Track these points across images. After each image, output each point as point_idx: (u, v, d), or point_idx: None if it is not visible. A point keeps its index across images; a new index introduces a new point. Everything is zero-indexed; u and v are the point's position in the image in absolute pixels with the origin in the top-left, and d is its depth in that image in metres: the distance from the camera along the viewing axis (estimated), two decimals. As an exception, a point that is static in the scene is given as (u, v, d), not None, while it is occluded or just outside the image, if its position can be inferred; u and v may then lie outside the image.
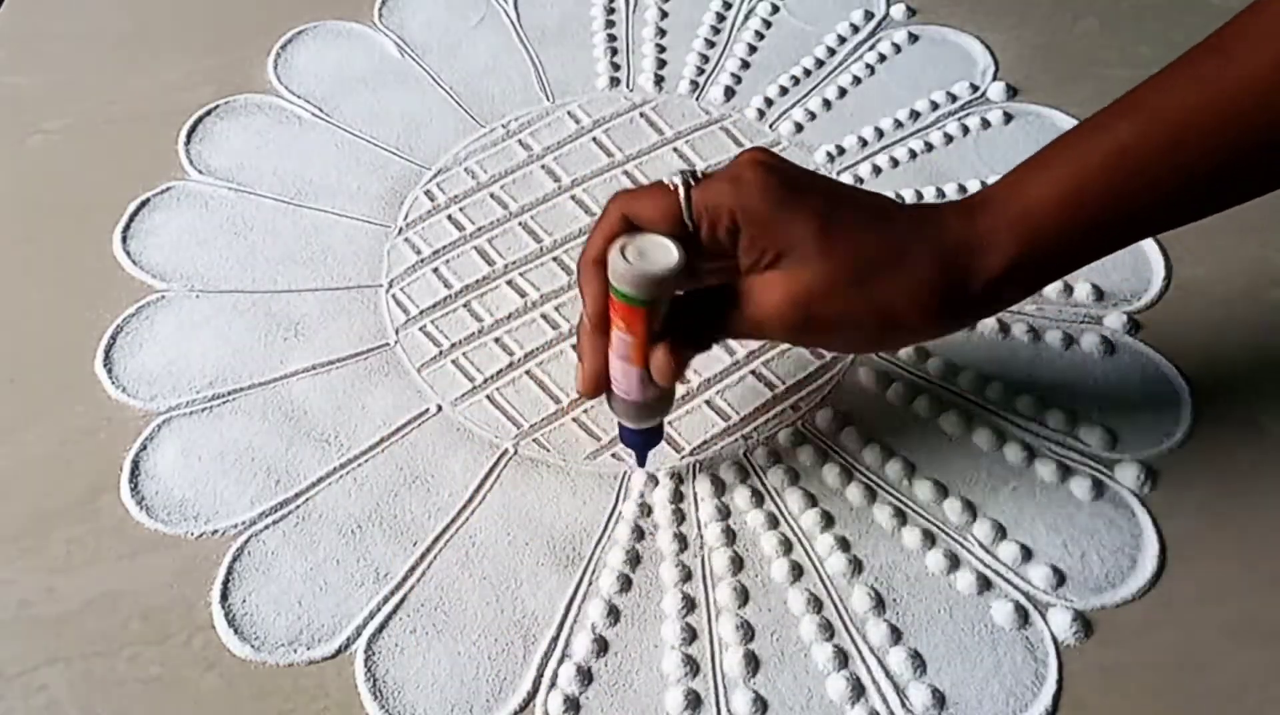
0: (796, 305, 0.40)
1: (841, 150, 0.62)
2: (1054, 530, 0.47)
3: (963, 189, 0.59)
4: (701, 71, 0.66)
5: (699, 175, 0.40)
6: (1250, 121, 0.38)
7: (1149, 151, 0.39)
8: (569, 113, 0.63)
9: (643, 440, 0.46)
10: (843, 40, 0.68)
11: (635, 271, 0.39)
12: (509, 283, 0.55)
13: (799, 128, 0.63)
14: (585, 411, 0.51)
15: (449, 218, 0.58)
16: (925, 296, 0.40)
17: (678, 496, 0.48)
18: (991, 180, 0.59)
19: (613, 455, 0.49)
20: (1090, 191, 0.39)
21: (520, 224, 0.58)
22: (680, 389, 0.51)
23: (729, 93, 0.65)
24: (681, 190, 0.40)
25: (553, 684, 0.43)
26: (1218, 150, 0.39)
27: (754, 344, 0.53)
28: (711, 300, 0.42)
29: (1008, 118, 0.63)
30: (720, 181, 0.40)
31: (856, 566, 0.46)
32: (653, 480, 0.49)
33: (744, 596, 0.45)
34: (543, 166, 0.61)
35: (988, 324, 0.54)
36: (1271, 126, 0.38)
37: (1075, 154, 0.40)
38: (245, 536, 0.47)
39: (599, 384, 0.43)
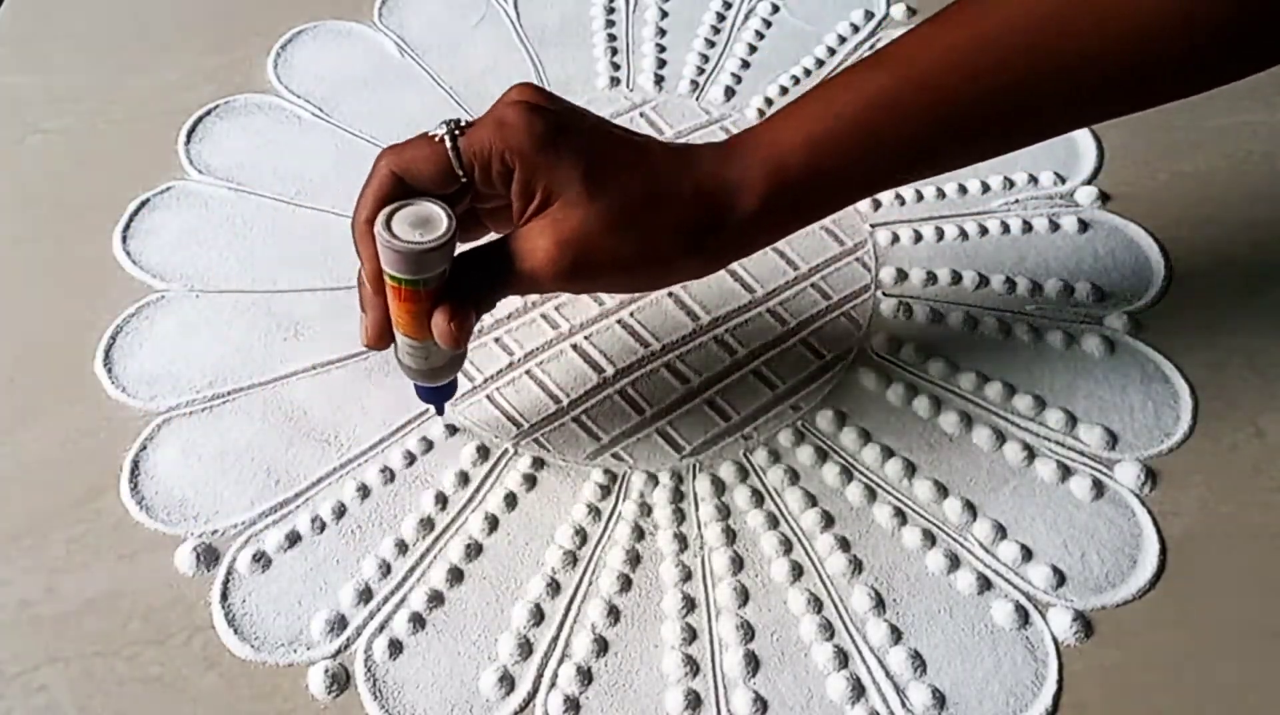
0: (565, 250, 0.40)
1: (841, 150, 0.62)
2: (1054, 530, 0.47)
3: (963, 189, 0.59)
4: (701, 71, 0.66)
5: (463, 123, 0.40)
6: (1001, 69, 0.39)
7: (900, 97, 0.40)
8: (569, 113, 0.63)
9: (437, 395, 0.46)
10: (843, 40, 0.68)
11: (400, 249, 0.39)
12: (509, 283, 0.55)
13: (799, 128, 0.63)
14: (585, 412, 0.51)
15: (449, 218, 0.58)
16: (687, 230, 0.41)
17: (678, 496, 0.48)
18: (994, 180, 0.60)
19: (613, 455, 0.49)
20: (840, 134, 0.41)
21: (520, 224, 0.58)
22: (680, 388, 0.51)
23: (729, 93, 0.65)
24: (448, 140, 0.40)
25: (553, 684, 0.43)
26: (969, 97, 0.40)
27: (754, 343, 0.53)
28: (490, 256, 0.41)
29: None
30: (485, 126, 0.40)
31: (856, 566, 0.46)
32: (653, 480, 0.49)
33: (744, 596, 0.45)
34: (543, 166, 0.61)
35: (988, 323, 0.54)
36: (1024, 71, 0.39)
37: (828, 99, 0.41)
38: (245, 536, 0.47)
39: (381, 335, 0.43)
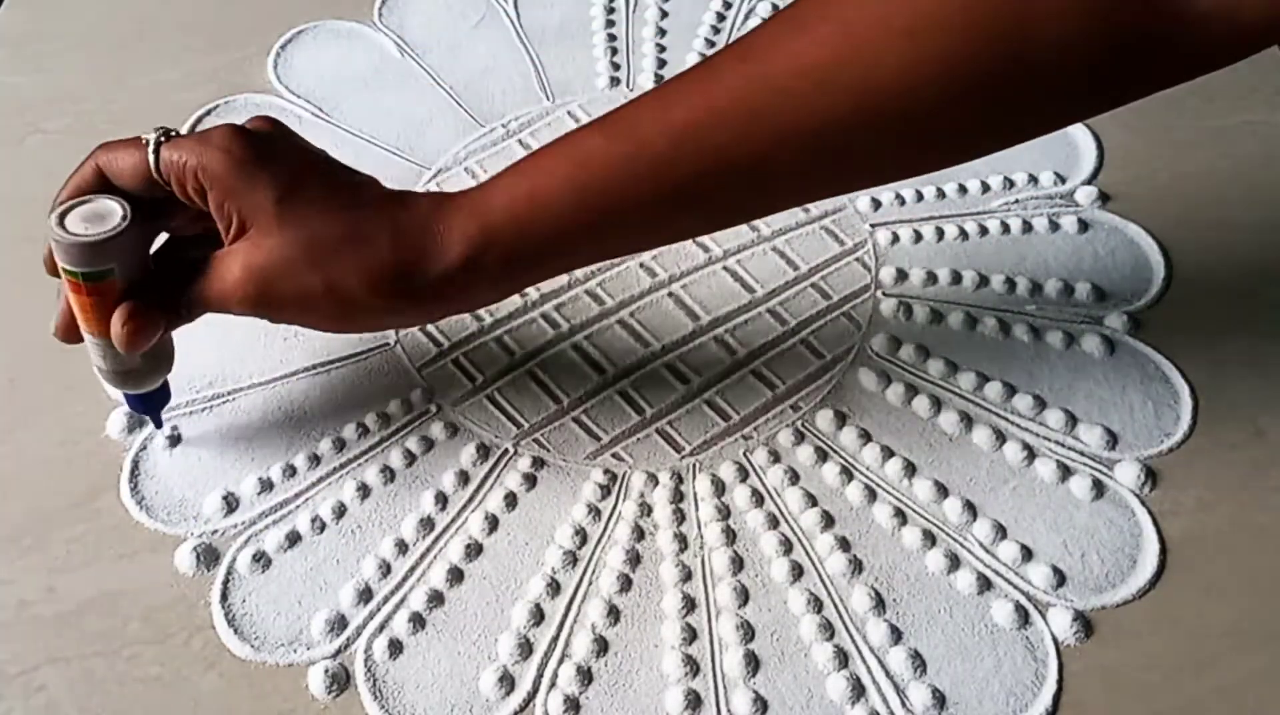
0: (251, 280, 0.40)
1: (841, 150, 0.61)
2: (1054, 530, 0.47)
3: (963, 189, 0.59)
4: (701, 71, 0.66)
5: (173, 133, 0.40)
6: (700, 149, 0.38)
7: (609, 164, 0.39)
8: (569, 113, 0.63)
9: (144, 403, 0.46)
10: (843, 40, 0.68)
11: (59, 240, 0.39)
12: (509, 283, 0.55)
13: (799, 128, 0.63)
14: (585, 411, 0.51)
15: (449, 218, 0.58)
16: (378, 277, 0.40)
17: (678, 496, 0.48)
18: (994, 180, 0.60)
19: (613, 455, 0.49)
20: (549, 196, 0.40)
21: (520, 224, 0.58)
22: (680, 388, 0.51)
23: (729, 93, 0.65)
24: (151, 146, 0.40)
25: (553, 684, 0.43)
26: (673, 171, 0.39)
27: (755, 343, 0.53)
28: (192, 271, 0.41)
29: (1008, 118, 0.63)
30: (190, 140, 0.40)
31: (856, 566, 0.46)
32: (653, 480, 0.49)
33: (744, 596, 0.45)
34: (543, 166, 0.61)
35: (988, 323, 0.54)
36: (766, 143, 0.38)
37: (546, 160, 0.40)
38: (245, 536, 0.47)
39: (67, 327, 0.43)
